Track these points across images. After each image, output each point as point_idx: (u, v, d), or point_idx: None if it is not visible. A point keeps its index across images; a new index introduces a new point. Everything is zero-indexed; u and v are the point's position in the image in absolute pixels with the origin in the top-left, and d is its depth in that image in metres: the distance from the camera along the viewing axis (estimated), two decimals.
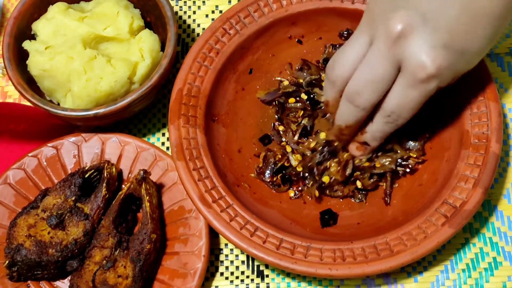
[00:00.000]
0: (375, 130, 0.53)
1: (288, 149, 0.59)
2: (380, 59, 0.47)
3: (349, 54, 0.49)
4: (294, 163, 0.58)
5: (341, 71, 0.50)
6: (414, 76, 0.46)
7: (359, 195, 0.57)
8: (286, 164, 0.58)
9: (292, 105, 0.60)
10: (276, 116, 0.61)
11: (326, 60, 0.61)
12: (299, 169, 0.57)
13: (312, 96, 0.59)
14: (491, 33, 0.46)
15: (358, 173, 0.57)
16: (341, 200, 0.58)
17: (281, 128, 0.60)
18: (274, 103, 0.61)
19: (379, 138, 0.53)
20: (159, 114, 0.65)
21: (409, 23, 0.45)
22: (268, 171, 0.58)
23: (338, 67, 0.50)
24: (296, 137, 0.59)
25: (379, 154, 0.57)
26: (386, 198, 0.57)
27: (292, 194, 0.58)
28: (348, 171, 0.56)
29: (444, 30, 0.45)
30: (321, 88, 0.59)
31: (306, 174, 0.57)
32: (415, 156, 0.57)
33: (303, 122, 0.59)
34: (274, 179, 0.58)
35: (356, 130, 0.54)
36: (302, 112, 0.59)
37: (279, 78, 0.62)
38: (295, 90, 0.60)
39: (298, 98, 0.60)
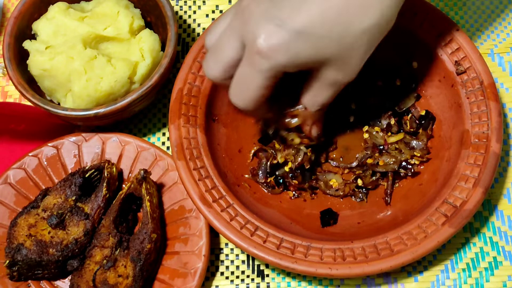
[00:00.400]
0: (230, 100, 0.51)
1: (277, 145, 0.58)
2: (227, 33, 0.47)
3: (219, 25, 0.49)
4: (280, 160, 0.57)
5: (209, 38, 0.50)
6: (250, 52, 0.45)
7: (360, 194, 0.57)
8: (274, 161, 0.58)
9: None
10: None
11: None
12: (287, 169, 0.57)
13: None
14: (330, 18, 0.44)
15: (360, 171, 0.57)
16: (341, 199, 0.58)
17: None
18: None
19: (239, 106, 0.50)
20: (159, 114, 0.65)
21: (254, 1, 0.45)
22: (261, 172, 0.58)
23: (210, 34, 0.50)
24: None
25: (384, 152, 0.57)
26: (386, 198, 0.57)
27: (291, 194, 0.58)
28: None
29: (284, 8, 0.44)
30: None
31: (296, 173, 0.57)
32: (419, 155, 0.57)
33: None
34: (268, 180, 0.58)
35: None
36: None
37: None
38: None
39: None
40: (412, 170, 0.57)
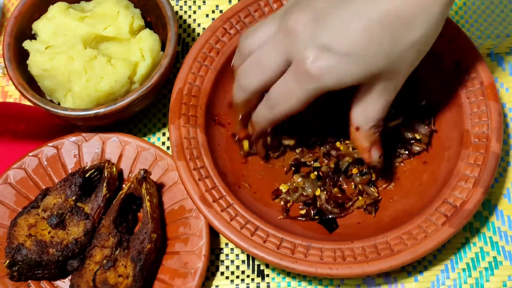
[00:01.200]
0: (257, 111, 0.52)
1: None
2: (272, 48, 0.48)
3: (259, 34, 0.50)
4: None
5: (247, 44, 0.50)
6: (296, 70, 0.46)
7: (369, 208, 0.57)
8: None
9: None
10: None
11: None
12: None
13: None
14: (378, 43, 0.45)
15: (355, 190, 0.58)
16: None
17: None
18: None
19: (259, 121, 0.53)
20: (159, 114, 0.65)
21: (302, 20, 0.46)
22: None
23: (247, 41, 0.51)
24: None
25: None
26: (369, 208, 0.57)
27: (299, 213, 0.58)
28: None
29: (332, 31, 0.45)
30: None
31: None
32: (419, 138, 0.57)
33: None
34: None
35: (246, 111, 0.54)
36: None
37: None
38: None
39: None
40: (412, 150, 0.57)
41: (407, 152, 0.58)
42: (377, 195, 0.57)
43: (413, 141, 0.57)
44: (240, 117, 0.55)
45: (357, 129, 0.51)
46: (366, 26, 0.44)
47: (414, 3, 0.44)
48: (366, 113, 0.50)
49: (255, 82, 0.50)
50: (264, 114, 0.51)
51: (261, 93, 0.51)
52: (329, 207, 0.56)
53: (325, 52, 0.45)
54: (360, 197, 0.57)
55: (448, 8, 0.45)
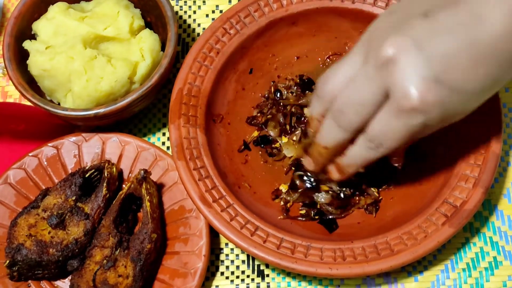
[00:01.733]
0: (355, 153, 0.48)
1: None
2: (367, 81, 0.43)
3: (342, 71, 0.46)
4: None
5: (331, 87, 0.47)
6: (398, 106, 0.42)
7: (369, 207, 0.57)
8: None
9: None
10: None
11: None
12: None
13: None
14: (496, 75, 0.42)
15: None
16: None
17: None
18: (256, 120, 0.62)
19: (357, 163, 0.49)
20: (159, 114, 0.65)
21: (402, 48, 0.41)
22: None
23: (329, 83, 0.47)
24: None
25: None
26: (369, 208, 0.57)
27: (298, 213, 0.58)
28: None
29: (439, 61, 0.41)
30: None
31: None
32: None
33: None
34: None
35: (334, 153, 0.50)
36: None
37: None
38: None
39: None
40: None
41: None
42: (377, 195, 0.57)
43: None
44: (323, 159, 0.51)
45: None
46: (477, 57, 0.41)
47: None
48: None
49: (355, 120, 0.45)
50: (363, 155, 0.47)
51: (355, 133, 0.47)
52: (329, 208, 0.56)
53: (435, 84, 0.41)
54: (362, 197, 0.57)
55: None
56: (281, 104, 0.61)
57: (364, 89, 0.44)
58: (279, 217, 0.56)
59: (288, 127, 0.60)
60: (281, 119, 0.60)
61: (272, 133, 0.60)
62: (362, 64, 0.45)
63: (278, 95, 0.61)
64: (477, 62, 0.41)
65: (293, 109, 0.60)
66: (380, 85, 0.43)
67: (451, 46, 0.41)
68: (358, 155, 0.48)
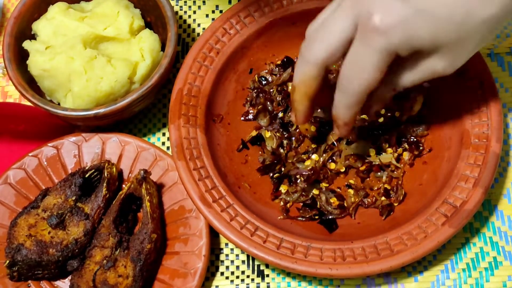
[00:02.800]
0: (334, 102, 0.48)
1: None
2: (337, 14, 0.44)
3: (324, 13, 0.46)
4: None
5: (314, 29, 0.47)
6: (362, 30, 0.42)
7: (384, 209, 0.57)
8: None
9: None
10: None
11: None
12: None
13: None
14: (463, 5, 0.41)
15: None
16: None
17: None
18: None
19: (339, 111, 0.48)
20: (159, 114, 0.65)
21: None
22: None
23: (314, 25, 0.47)
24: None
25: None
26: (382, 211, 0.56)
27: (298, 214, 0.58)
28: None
29: None
30: None
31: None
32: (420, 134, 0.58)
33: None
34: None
35: (307, 96, 0.49)
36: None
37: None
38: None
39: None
40: (417, 144, 0.58)
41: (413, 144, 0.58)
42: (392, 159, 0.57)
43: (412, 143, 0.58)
44: (304, 107, 0.50)
45: (393, 90, 0.48)
46: None
47: None
48: (406, 79, 0.46)
49: (318, 53, 0.45)
50: (341, 100, 0.46)
51: (326, 71, 0.46)
52: (329, 207, 0.56)
53: (398, 4, 0.41)
54: (383, 198, 0.56)
55: None
56: (266, 90, 0.61)
57: (334, 22, 0.44)
58: (279, 217, 0.56)
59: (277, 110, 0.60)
60: (269, 107, 0.60)
61: (262, 123, 0.60)
62: (337, 5, 0.45)
63: (264, 82, 0.61)
64: None
65: (278, 89, 0.61)
66: (350, 15, 0.43)
67: None
68: (336, 102, 0.47)
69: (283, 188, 0.58)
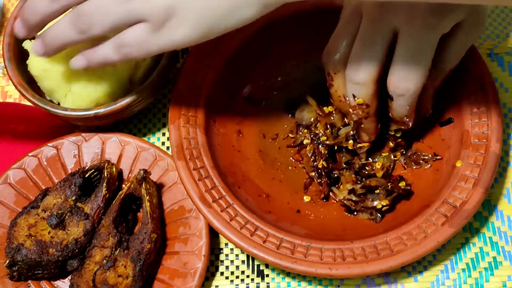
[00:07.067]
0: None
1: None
2: (374, 28, 0.48)
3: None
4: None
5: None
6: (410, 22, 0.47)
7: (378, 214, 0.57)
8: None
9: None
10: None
11: None
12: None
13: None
14: None
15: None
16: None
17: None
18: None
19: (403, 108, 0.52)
20: (159, 114, 0.65)
21: None
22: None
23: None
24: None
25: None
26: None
27: (308, 199, 0.58)
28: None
29: None
30: None
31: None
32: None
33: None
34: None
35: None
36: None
37: None
38: None
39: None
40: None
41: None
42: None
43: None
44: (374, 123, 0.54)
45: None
46: None
47: None
48: (456, 56, 0.51)
49: (372, 71, 0.49)
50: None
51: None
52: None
53: None
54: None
55: None
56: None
57: (373, 40, 0.49)
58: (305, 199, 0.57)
59: None
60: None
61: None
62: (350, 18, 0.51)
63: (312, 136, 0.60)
64: None
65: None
66: (370, 26, 0.48)
67: None
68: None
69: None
